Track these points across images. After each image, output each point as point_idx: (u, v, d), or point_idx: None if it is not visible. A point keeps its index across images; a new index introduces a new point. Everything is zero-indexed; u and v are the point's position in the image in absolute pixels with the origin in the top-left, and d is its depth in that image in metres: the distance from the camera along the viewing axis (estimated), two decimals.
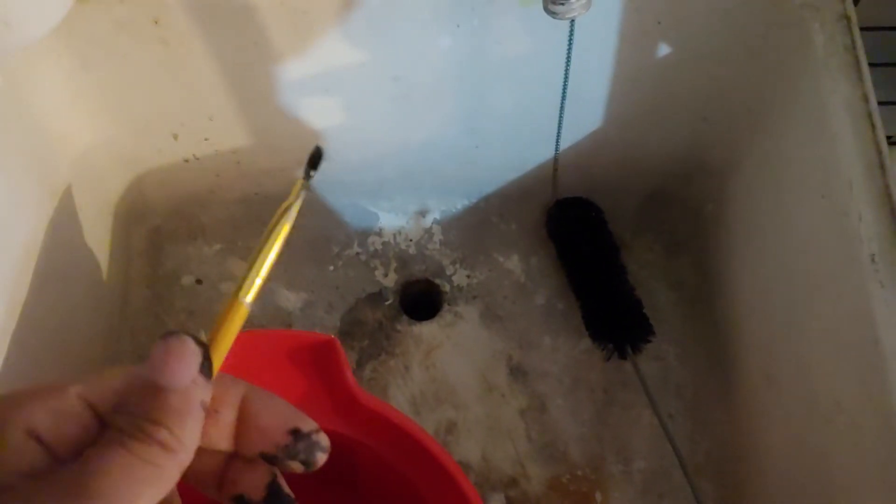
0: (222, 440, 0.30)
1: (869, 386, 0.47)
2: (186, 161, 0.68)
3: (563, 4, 0.48)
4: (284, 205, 0.32)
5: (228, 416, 0.30)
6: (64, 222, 0.59)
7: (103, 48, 0.57)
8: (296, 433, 0.31)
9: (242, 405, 0.31)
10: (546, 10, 0.49)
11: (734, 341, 0.68)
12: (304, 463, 0.31)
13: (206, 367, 0.29)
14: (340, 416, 0.51)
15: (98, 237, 0.66)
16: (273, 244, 0.32)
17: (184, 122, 0.64)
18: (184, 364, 0.28)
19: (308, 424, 0.31)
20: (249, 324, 0.71)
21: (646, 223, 0.76)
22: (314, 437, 0.31)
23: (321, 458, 0.32)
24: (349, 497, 0.58)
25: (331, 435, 0.51)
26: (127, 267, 0.72)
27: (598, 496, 0.67)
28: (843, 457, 0.51)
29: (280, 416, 0.31)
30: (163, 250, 0.74)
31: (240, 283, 0.32)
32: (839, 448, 0.51)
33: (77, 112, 0.61)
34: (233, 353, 0.51)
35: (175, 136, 0.65)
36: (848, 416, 0.50)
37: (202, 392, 0.29)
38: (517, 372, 0.71)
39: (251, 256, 0.32)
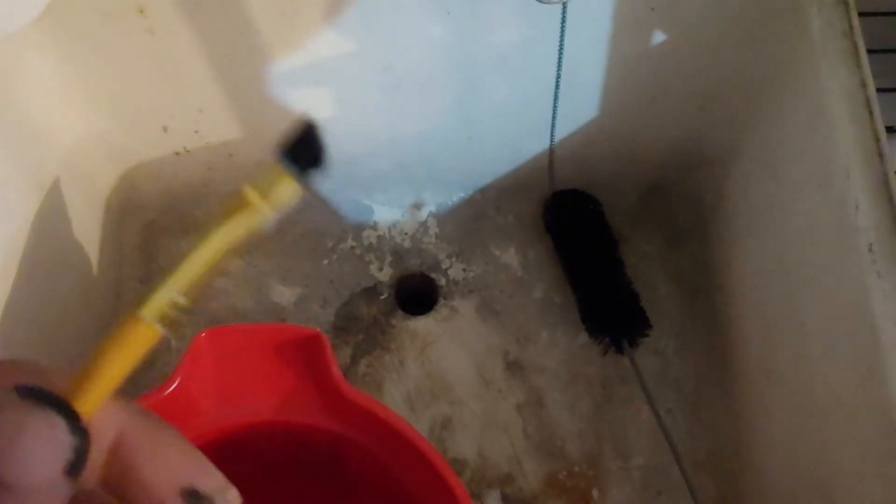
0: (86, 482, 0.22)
1: (867, 379, 0.46)
2: (177, 154, 0.67)
3: None
4: (247, 200, 0.26)
5: (96, 459, 0.22)
6: (52, 216, 0.59)
7: (89, 39, 0.56)
8: (191, 496, 0.23)
9: (120, 447, 0.22)
10: None
11: (733, 335, 0.67)
12: None
13: (75, 465, 0.20)
14: (328, 411, 0.50)
15: (89, 232, 0.65)
16: (211, 248, 0.26)
17: (173, 115, 0.63)
18: (42, 463, 0.20)
19: (210, 481, 0.23)
20: (243, 318, 0.71)
21: (645, 215, 0.75)
22: (218, 500, 0.23)
23: None
24: (338, 492, 0.57)
25: (319, 430, 0.51)
26: (120, 262, 0.71)
27: (596, 493, 0.66)
28: (842, 451, 0.50)
29: (170, 468, 0.23)
30: (156, 245, 0.74)
31: (146, 294, 0.25)
32: (837, 442, 0.50)
33: (65, 105, 0.60)
34: (217, 349, 0.50)
35: (165, 129, 0.64)
36: (846, 410, 0.49)
37: (59, 498, 0.20)
38: (514, 367, 0.70)
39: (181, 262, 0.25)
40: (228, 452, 0.53)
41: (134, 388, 0.68)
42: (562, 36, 0.55)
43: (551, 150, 0.67)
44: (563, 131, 0.66)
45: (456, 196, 0.75)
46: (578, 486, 0.66)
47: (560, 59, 0.57)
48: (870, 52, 0.51)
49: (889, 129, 0.58)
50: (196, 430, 0.51)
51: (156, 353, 0.69)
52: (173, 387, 0.49)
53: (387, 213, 0.75)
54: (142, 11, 0.54)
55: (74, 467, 0.20)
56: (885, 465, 0.45)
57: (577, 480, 0.67)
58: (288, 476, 0.57)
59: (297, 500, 0.58)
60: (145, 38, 0.56)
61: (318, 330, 0.49)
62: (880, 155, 0.48)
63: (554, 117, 0.63)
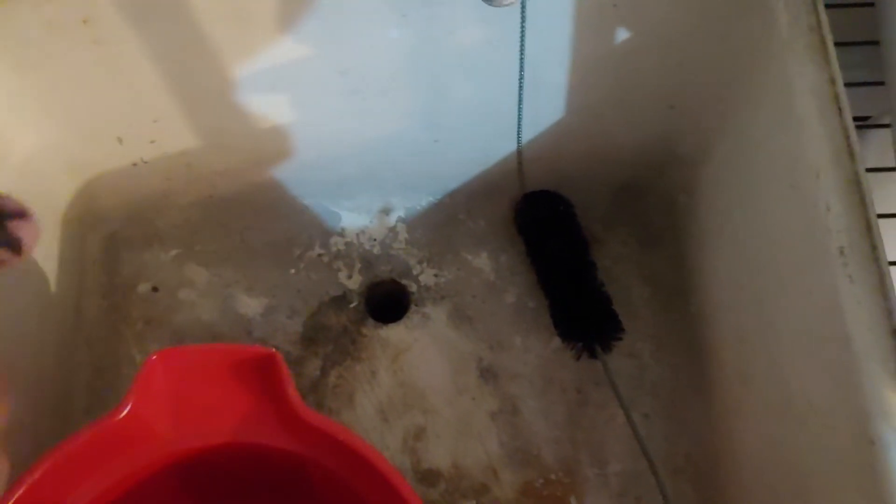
0: None
1: (841, 386, 0.45)
2: (135, 165, 0.65)
3: None
4: None
5: None
6: None
7: (36, 49, 0.55)
8: None
9: None
10: None
11: (709, 338, 0.66)
12: (9, 244, 0.23)
13: None
14: (286, 432, 0.48)
15: (46, 247, 0.63)
16: None
17: (128, 125, 0.62)
18: None
19: None
20: (207, 332, 0.69)
21: (618, 216, 0.73)
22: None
23: (24, 226, 0.23)
24: None
25: (279, 451, 0.50)
26: (81, 276, 0.69)
27: (573, 501, 0.65)
28: (817, 459, 0.48)
29: None
30: (118, 258, 0.72)
31: None
32: (813, 450, 0.49)
33: (15, 116, 0.58)
34: (171, 371, 0.49)
35: (120, 140, 0.63)
36: (820, 417, 0.47)
37: None
38: (488, 374, 0.68)
39: None
40: (189, 476, 0.52)
41: (99, 407, 0.66)
42: (522, 35, 0.53)
43: (519, 152, 0.66)
44: (530, 132, 0.65)
45: (425, 200, 0.74)
46: (555, 495, 0.65)
47: (522, 58, 0.55)
48: (838, 45, 0.49)
49: (860, 122, 0.56)
50: (154, 454, 0.49)
51: (124, 370, 0.68)
52: (126, 411, 0.47)
53: (355, 219, 0.73)
54: (85, 22, 0.52)
55: None
56: (863, 478, 0.43)
57: (553, 489, 0.65)
58: (252, 498, 0.55)
59: None
60: (93, 47, 0.54)
61: (274, 349, 0.47)
62: (850, 154, 0.46)
63: (520, 118, 0.62)
